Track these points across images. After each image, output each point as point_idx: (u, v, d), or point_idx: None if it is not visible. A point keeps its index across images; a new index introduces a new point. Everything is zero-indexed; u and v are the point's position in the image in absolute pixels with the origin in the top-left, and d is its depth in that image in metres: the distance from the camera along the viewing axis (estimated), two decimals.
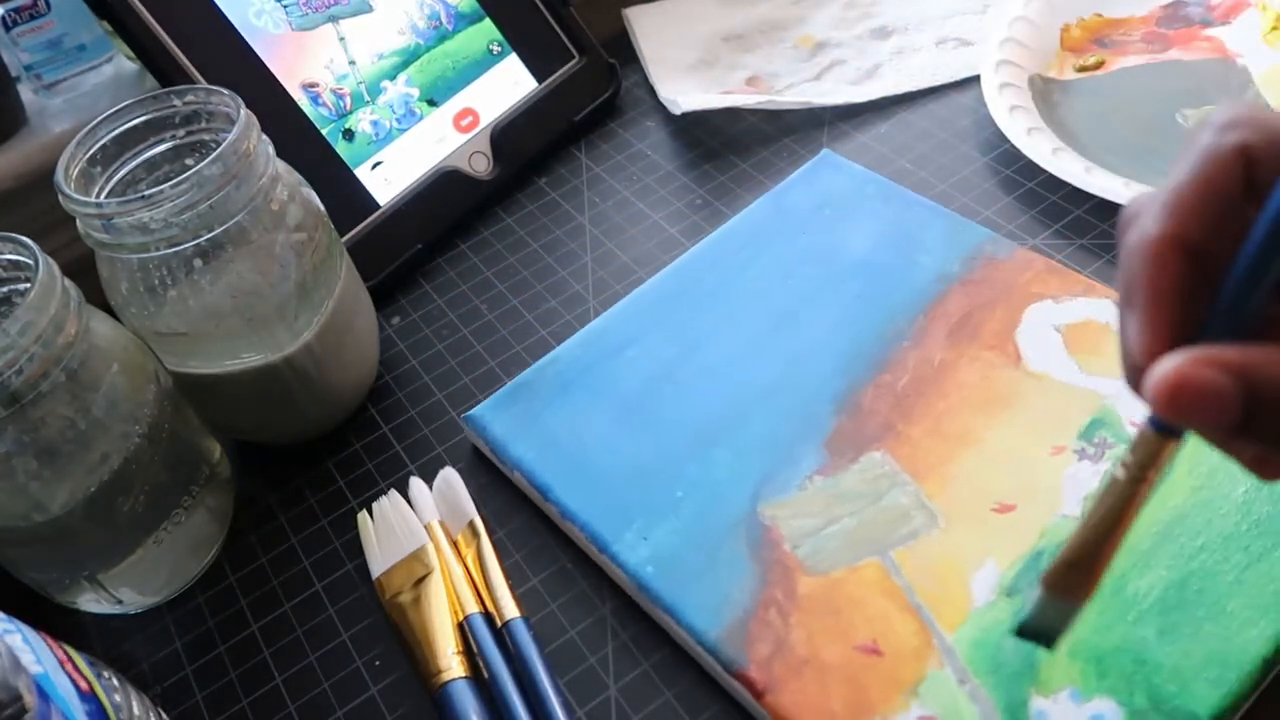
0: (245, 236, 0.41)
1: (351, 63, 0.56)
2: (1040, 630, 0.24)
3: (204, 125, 0.44)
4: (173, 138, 0.44)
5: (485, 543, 0.43)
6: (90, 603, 0.43)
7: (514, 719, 0.37)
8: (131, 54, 0.55)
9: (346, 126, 0.56)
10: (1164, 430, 0.22)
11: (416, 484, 0.45)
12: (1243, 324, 0.20)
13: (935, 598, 0.37)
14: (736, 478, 0.42)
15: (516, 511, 0.45)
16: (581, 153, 0.63)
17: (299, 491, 0.48)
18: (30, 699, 0.27)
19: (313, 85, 0.55)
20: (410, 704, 0.40)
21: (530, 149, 0.61)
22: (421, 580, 0.41)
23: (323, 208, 0.45)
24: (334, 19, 0.56)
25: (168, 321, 0.42)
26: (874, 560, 0.39)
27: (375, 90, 0.57)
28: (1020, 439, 0.41)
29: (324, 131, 0.55)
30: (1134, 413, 0.41)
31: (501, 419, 0.46)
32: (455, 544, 0.43)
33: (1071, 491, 0.39)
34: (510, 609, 0.40)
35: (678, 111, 0.60)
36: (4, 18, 0.57)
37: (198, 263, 0.41)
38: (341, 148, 0.56)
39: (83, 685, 0.32)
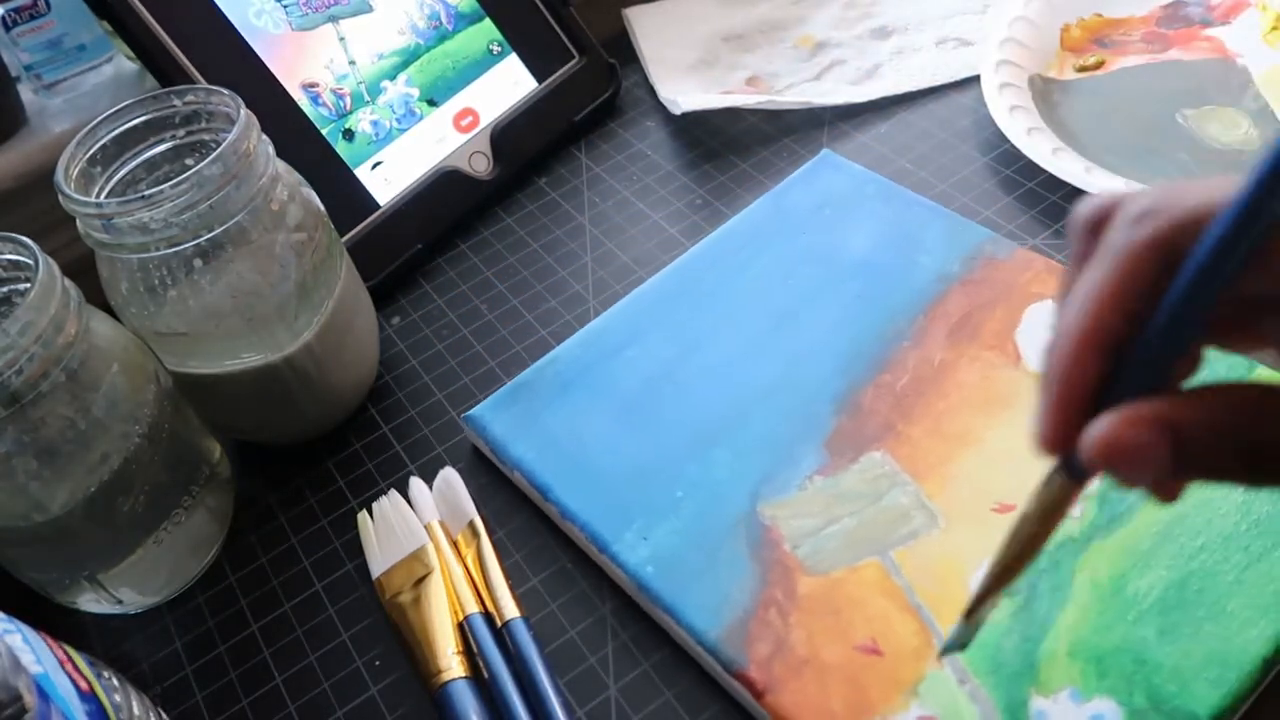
0: (245, 236, 0.41)
1: (351, 63, 0.56)
2: (957, 645, 0.27)
3: (204, 125, 0.44)
4: (173, 138, 0.44)
5: (485, 543, 0.43)
6: (90, 603, 0.43)
7: (514, 719, 0.37)
8: (131, 54, 0.55)
9: (346, 126, 0.56)
10: (1075, 475, 0.23)
11: (416, 484, 0.45)
12: (1161, 375, 0.21)
13: (935, 598, 0.37)
14: (736, 478, 0.42)
15: (516, 511, 0.45)
16: (581, 153, 0.63)
17: (299, 491, 0.48)
18: (30, 699, 0.27)
19: (313, 85, 0.55)
20: (410, 704, 0.40)
21: (530, 149, 0.61)
22: (421, 580, 0.41)
23: (323, 208, 0.45)
24: (334, 19, 0.56)
25: (168, 321, 0.42)
26: (874, 560, 0.39)
27: (375, 90, 0.57)
28: (1020, 439, 0.41)
29: (324, 131, 0.55)
30: None
31: (501, 419, 0.46)
32: (455, 544, 0.43)
33: None
34: (510, 609, 0.40)
35: (678, 111, 0.60)
36: (4, 18, 0.57)
37: (198, 263, 0.41)
38: (341, 148, 0.56)
39: (83, 685, 0.32)
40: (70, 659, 0.33)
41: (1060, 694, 0.34)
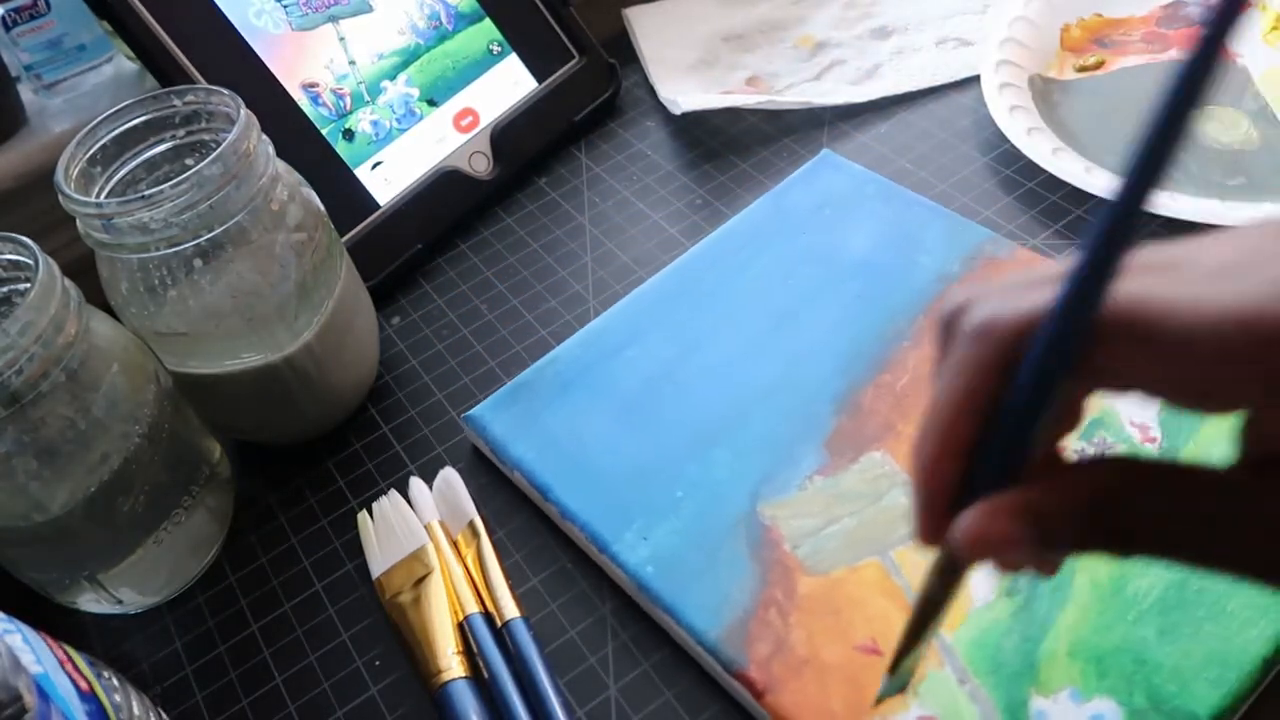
0: (245, 236, 0.41)
1: (351, 63, 0.56)
2: (891, 692, 0.28)
3: (204, 125, 0.44)
4: (173, 138, 0.44)
5: (485, 543, 0.43)
6: (90, 603, 0.43)
7: (514, 719, 0.37)
8: (131, 54, 0.55)
9: (346, 126, 0.56)
10: (957, 562, 0.25)
11: (416, 484, 0.45)
12: (1014, 467, 0.22)
13: None
14: (736, 478, 0.42)
15: (516, 511, 0.45)
16: (581, 153, 0.63)
17: (299, 491, 0.48)
18: (30, 699, 0.27)
19: (313, 85, 0.55)
20: (410, 704, 0.40)
21: (530, 149, 0.61)
22: (421, 580, 0.41)
23: (323, 208, 0.45)
24: (334, 19, 0.56)
25: (168, 321, 0.42)
26: (874, 560, 0.39)
27: (375, 90, 0.57)
28: None
29: (324, 131, 0.55)
30: (1133, 414, 0.41)
31: (501, 419, 0.46)
32: (455, 544, 0.43)
33: None
34: (510, 609, 0.40)
35: (678, 111, 0.60)
36: (4, 18, 0.57)
37: (198, 263, 0.41)
38: (341, 148, 0.56)
39: (83, 685, 0.32)
40: (70, 659, 0.33)
41: (1060, 694, 0.34)
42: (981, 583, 0.37)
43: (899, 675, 0.27)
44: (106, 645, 0.43)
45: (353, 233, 0.55)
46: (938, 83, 0.61)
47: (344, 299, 0.46)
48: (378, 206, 0.56)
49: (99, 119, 0.42)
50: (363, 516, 0.45)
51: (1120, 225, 0.20)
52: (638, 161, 0.61)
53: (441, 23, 0.60)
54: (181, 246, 0.39)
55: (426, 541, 0.43)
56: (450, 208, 0.58)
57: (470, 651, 0.40)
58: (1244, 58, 0.57)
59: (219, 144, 0.40)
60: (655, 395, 0.46)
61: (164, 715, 0.38)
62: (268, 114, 0.44)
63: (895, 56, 0.64)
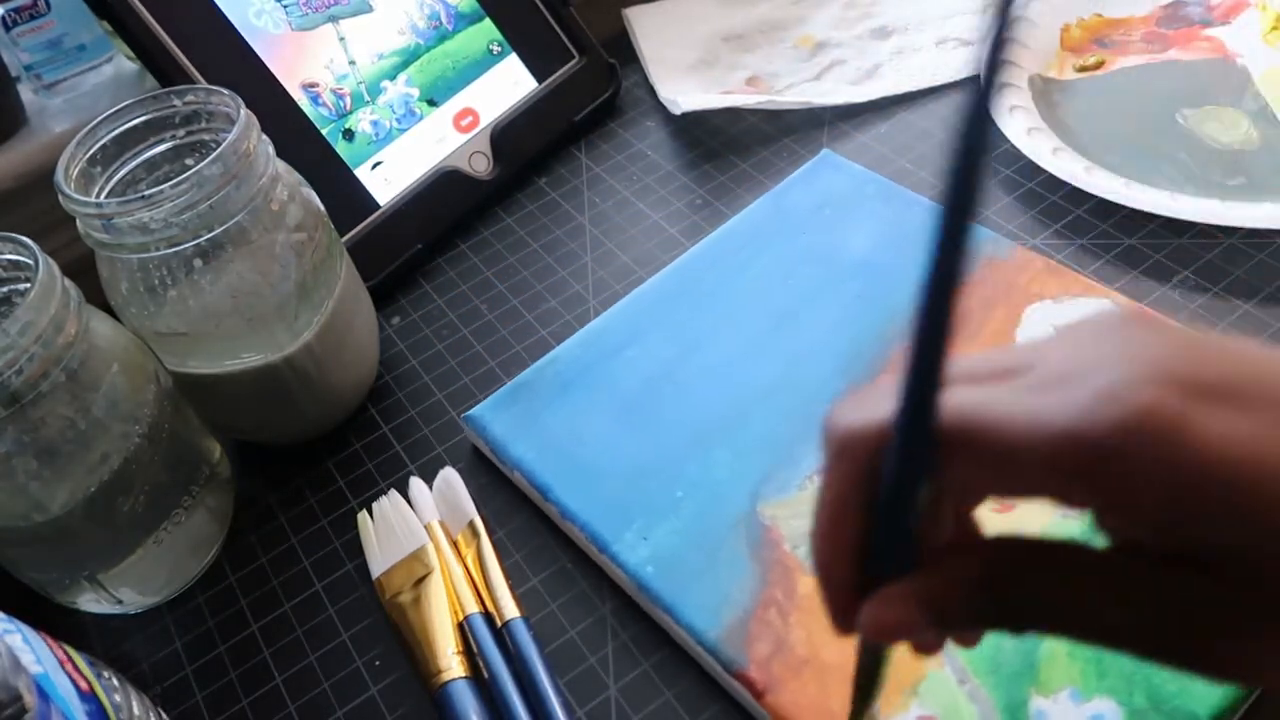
0: (245, 236, 0.41)
1: (351, 63, 0.56)
2: None
3: (204, 125, 0.44)
4: (173, 138, 0.44)
5: (485, 543, 0.43)
6: (90, 603, 0.43)
7: (514, 719, 0.37)
8: (131, 54, 0.55)
9: (346, 126, 0.56)
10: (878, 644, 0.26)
11: (416, 484, 0.45)
12: (908, 556, 0.23)
13: None
14: (736, 478, 0.42)
15: (516, 511, 0.45)
16: (581, 153, 0.63)
17: (299, 491, 0.48)
18: (30, 699, 0.27)
19: (313, 85, 0.55)
20: (410, 704, 0.40)
21: (530, 149, 0.61)
22: (421, 580, 0.41)
23: (323, 208, 0.45)
24: (334, 19, 0.56)
25: (168, 321, 0.42)
26: None
27: (375, 90, 0.57)
28: None
29: (324, 131, 0.55)
30: None
31: (501, 419, 0.46)
32: (455, 544, 0.43)
33: None
34: (510, 609, 0.40)
35: (678, 111, 0.60)
36: (4, 18, 0.57)
37: (198, 263, 0.41)
38: (341, 148, 0.56)
39: (83, 685, 0.32)
40: (70, 659, 0.33)
41: (1060, 694, 0.34)
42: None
43: None
44: (106, 645, 0.43)
45: (353, 233, 0.55)
46: (938, 83, 0.61)
47: (344, 299, 0.46)
48: (378, 206, 0.56)
49: (99, 119, 0.42)
50: (363, 516, 0.45)
51: (928, 352, 0.21)
52: (638, 161, 0.61)
53: (441, 23, 0.60)
54: (181, 246, 0.39)
55: (426, 541, 0.43)
56: (450, 208, 0.58)
57: (470, 651, 0.40)
58: (1244, 58, 0.57)
59: (219, 144, 0.40)
60: (655, 395, 0.46)
61: (164, 715, 0.38)
62: (268, 114, 0.44)
63: (895, 56, 0.64)
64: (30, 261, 0.37)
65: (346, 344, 0.47)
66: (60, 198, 0.39)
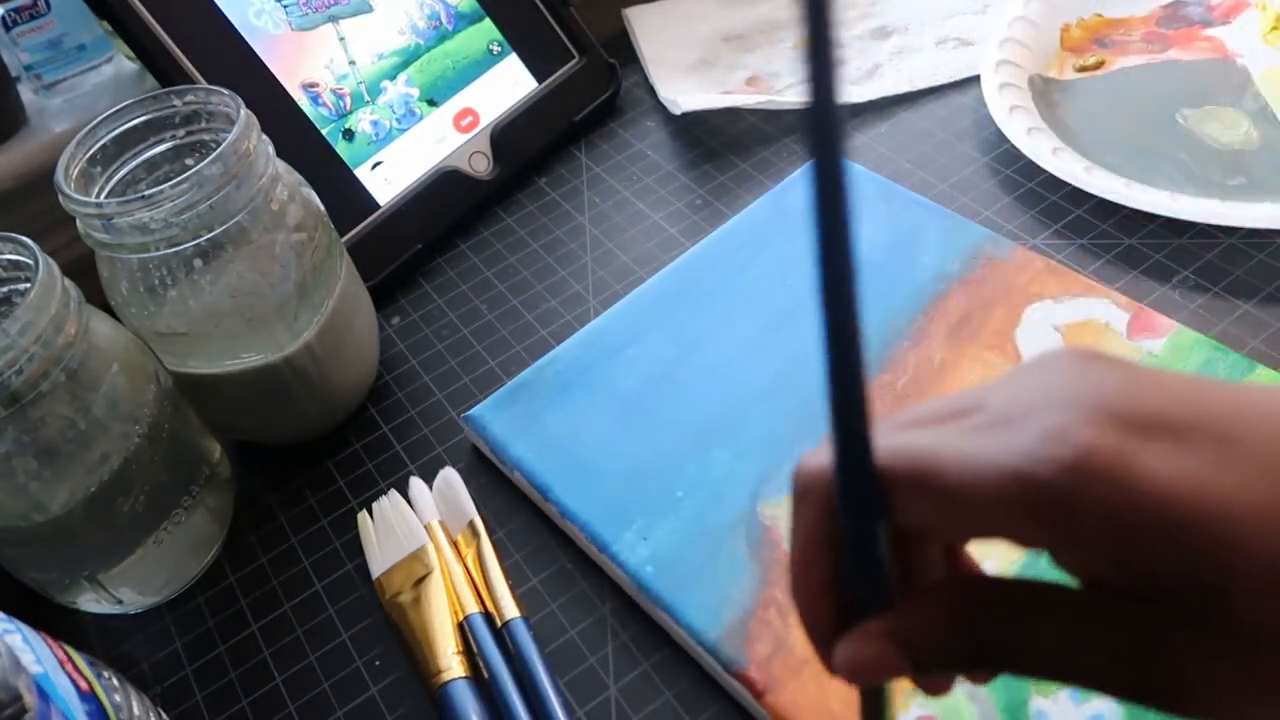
0: (245, 236, 0.41)
1: (351, 63, 0.57)
2: None
3: (204, 125, 0.44)
4: (173, 138, 0.44)
5: (485, 543, 0.43)
6: (90, 603, 0.43)
7: (514, 719, 0.37)
8: (131, 54, 0.55)
9: (346, 126, 0.56)
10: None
11: (416, 484, 0.45)
12: (875, 592, 0.23)
13: None
14: (736, 477, 0.42)
15: (516, 511, 0.45)
16: (581, 153, 0.63)
17: (299, 491, 0.48)
18: (30, 699, 0.27)
19: (313, 85, 0.55)
20: (410, 704, 0.40)
21: (530, 149, 0.61)
22: (421, 580, 0.41)
23: (323, 208, 0.45)
24: (334, 19, 0.56)
25: (168, 321, 0.42)
26: None
27: (375, 90, 0.57)
28: None
29: (324, 131, 0.55)
30: None
31: (501, 419, 0.46)
32: (455, 544, 0.43)
33: None
34: (510, 609, 0.40)
35: (678, 111, 0.60)
36: (4, 18, 0.57)
37: (198, 263, 0.41)
38: (341, 148, 0.56)
39: (83, 685, 0.32)
40: (70, 659, 0.33)
41: (1060, 694, 0.34)
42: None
43: None
44: (106, 645, 0.43)
45: (353, 233, 0.55)
46: (938, 83, 0.61)
47: (344, 299, 0.46)
48: (378, 206, 0.56)
49: (99, 119, 0.42)
50: (363, 516, 0.45)
51: (849, 395, 0.22)
52: (638, 161, 0.61)
53: (441, 23, 0.60)
54: (181, 246, 0.39)
55: (426, 541, 0.43)
56: (450, 208, 0.58)
57: (470, 651, 0.40)
58: (1244, 58, 0.57)
59: (219, 144, 0.40)
60: (655, 395, 0.46)
61: (164, 715, 0.38)
62: (268, 114, 0.44)
63: (895, 56, 0.64)
64: (30, 261, 0.37)
65: (346, 344, 0.47)
66: (60, 198, 0.39)
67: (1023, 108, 0.56)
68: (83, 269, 0.42)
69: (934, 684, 0.25)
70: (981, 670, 0.23)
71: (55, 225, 0.48)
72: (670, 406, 0.45)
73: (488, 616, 0.41)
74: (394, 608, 0.41)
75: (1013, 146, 0.54)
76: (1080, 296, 0.46)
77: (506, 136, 0.60)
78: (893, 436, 0.23)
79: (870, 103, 0.61)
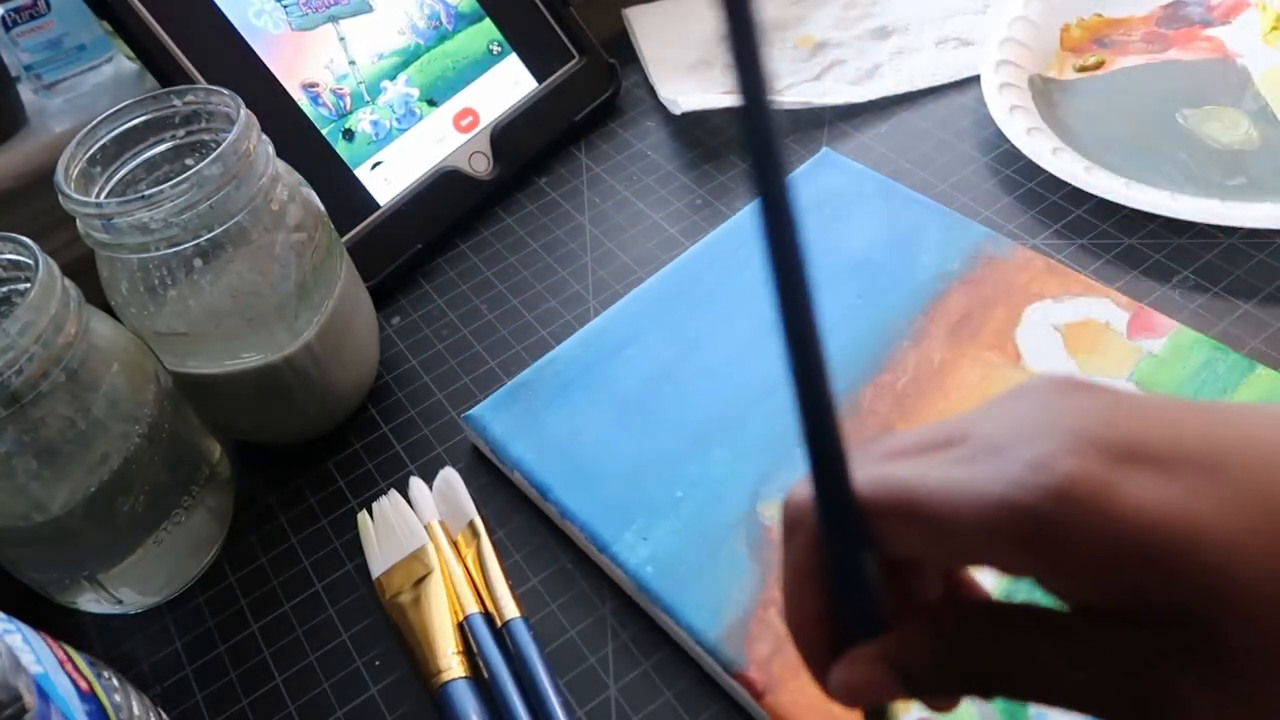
0: (245, 236, 0.41)
1: (351, 63, 0.57)
2: None
3: (204, 125, 0.44)
4: (173, 138, 0.44)
5: (485, 543, 0.43)
6: (90, 603, 0.43)
7: (514, 719, 0.37)
8: (131, 54, 0.55)
9: (346, 126, 0.56)
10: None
11: (416, 484, 0.45)
12: (866, 618, 0.23)
13: None
14: (736, 477, 0.42)
15: (516, 511, 0.45)
16: (581, 153, 0.63)
17: (299, 491, 0.48)
18: (30, 699, 0.28)
19: (313, 85, 0.55)
20: (410, 704, 0.40)
21: (530, 149, 0.61)
22: (421, 580, 0.41)
23: (323, 208, 0.45)
24: (334, 19, 0.56)
25: (168, 321, 0.42)
26: None
27: (375, 90, 0.57)
28: None
29: (324, 131, 0.55)
30: None
31: (501, 419, 0.46)
32: (455, 544, 0.43)
33: None
34: (510, 609, 0.40)
35: (678, 111, 0.60)
36: (4, 18, 0.57)
37: (198, 263, 0.41)
38: (341, 148, 0.56)
39: (83, 685, 0.32)
40: (70, 659, 0.33)
41: None
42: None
43: None
44: (106, 645, 0.43)
45: (353, 233, 0.55)
46: (938, 83, 0.61)
47: (344, 299, 0.46)
48: (378, 206, 0.56)
49: (99, 119, 0.42)
50: (363, 516, 0.45)
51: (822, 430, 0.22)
52: (638, 161, 0.61)
53: (441, 23, 0.60)
54: (181, 246, 0.39)
55: (426, 541, 0.43)
56: (450, 208, 0.58)
57: (470, 651, 0.40)
58: (1244, 58, 0.57)
59: (219, 144, 0.40)
60: (655, 395, 0.46)
61: (164, 715, 0.38)
62: (268, 114, 0.44)
63: (895, 56, 0.64)
64: (30, 261, 0.37)
65: (346, 344, 0.47)
66: (60, 198, 0.39)
67: (1023, 108, 0.56)
68: (83, 269, 0.42)
69: (938, 703, 0.25)
70: (972, 694, 0.23)
71: (55, 225, 0.48)
72: (670, 406, 0.45)
73: (488, 616, 0.41)
74: (394, 608, 0.41)
75: (1013, 146, 0.54)
76: (1080, 296, 0.46)
77: (506, 136, 0.60)
78: (876, 467, 0.23)
79: (870, 103, 0.61)
